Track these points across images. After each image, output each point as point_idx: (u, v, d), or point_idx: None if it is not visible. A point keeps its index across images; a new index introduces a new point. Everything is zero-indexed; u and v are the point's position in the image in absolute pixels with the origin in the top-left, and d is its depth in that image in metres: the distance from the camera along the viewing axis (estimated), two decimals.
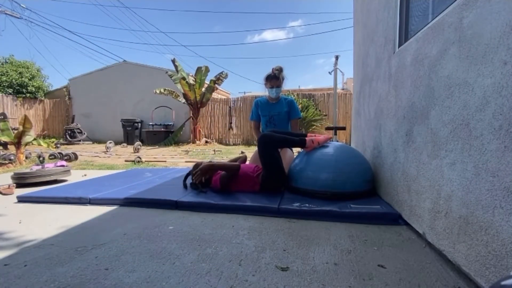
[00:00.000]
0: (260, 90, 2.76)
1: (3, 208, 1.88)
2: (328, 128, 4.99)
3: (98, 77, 11.31)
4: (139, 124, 9.91)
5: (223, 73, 9.24)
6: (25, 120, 4.34)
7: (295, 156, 2.25)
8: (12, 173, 2.67)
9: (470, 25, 0.89)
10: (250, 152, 5.34)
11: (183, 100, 9.36)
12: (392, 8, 1.66)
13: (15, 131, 4.45)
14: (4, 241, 1.31)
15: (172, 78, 9.00)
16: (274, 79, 2.56)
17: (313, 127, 9.20)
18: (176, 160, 5.10)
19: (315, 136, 2.07)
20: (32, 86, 12.21)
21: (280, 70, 2.58)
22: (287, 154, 2.56)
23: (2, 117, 7.92)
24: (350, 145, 2.93)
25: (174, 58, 9.23)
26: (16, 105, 11.14)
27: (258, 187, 2.01)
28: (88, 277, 0.96)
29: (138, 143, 7.18)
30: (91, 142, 9.88)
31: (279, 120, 2.67)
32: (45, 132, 11.58)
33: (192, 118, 9.64)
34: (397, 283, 0.91)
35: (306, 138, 2.06)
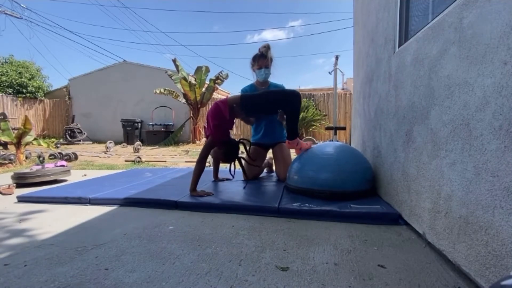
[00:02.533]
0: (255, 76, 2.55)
1: (3, 208, 1.88)
2: (328, 128, 5.00)
3: (98, 77, 11.31)
4: (139, 124, 9.91)
5: (223, 72, 9.24)
6: (26, 121, 4.34)
7: (295, 157, 2.25)
8: (12, 173, 2.67)
9: (470, 25, 0.89)
10: None
11: (183, 100, 9.36)
12: (392, 8, 1.66)
13: (15, 131, 4.45)
14: (4, 241, 1.31)
15: (172, 78, 9.00)
16: (262, 58, 2.35)
17: (313, 127, 9.20)
18: (176, 160, 5.10)
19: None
20: (32, 86, 12.22)
21: (267, 47, 2.35)
22: (284, 152, 2.54)
23: (2, 117, 7.92)
24: (350, 145, 2.93)
25: (175, 58, 9.23)
26: (16, 105, 11.14)
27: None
28: (88, 277, 0.96)
29: (138, 143, 7.18)
30: (91, 142, 9.88)
31: None
32: (45, 132, 11.58)
33: (192, 118, 9.64)
34: (397, 283, 0.91)
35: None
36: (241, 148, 2.26)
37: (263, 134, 2.61)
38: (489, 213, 0.79)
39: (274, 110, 2.21)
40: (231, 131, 2.17)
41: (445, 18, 1.04)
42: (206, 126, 2.20)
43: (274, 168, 2.71)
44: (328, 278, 0.94)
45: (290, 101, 2.05)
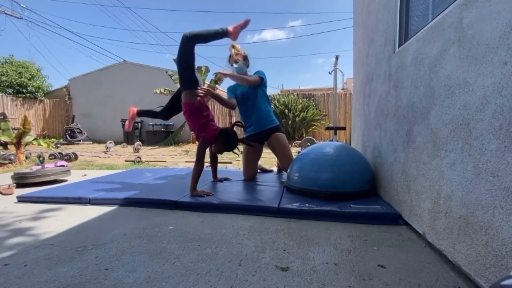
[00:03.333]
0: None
1: (3, 208, 1.88)
2: (328, 128, 5.00)
3: (98, 77, 11.31)
4: (139, 124, 9.91)
5: None
6: (25, 121, 4.35)
7: (294, 156, 2.25)
8: (12, 173, 2.67)
9: (470, 25, 0.89)
10: None
11: None
12: (392, 8, 1.66)
13: (15, 131, 4.46)
14: (4, 241, 1.31)
15: (172, 78, 9.00)
16: (230, 57, 2.52)
17: (313, 127, 9.20)
18: (176, 160, 5.10)
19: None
20: (32, 86, 12.21)
21: (230, 47, 2.51)
22: (281, 141, 2.53)
23: (2, 117, 7.92)
24: (350, 145, 2.94)
25: (176, 58, 9.22)
26: (16, 105, 11.14)
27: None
28: (88, 277, 0.96)
29: (138, 143, 7.18)
30: (91, 142, 9.88)
31: (251, 92, 2.55)
32: (45, 132, 11.58)
33: None
34: (397, 283, 0.91)
35: (228, 27, 2.04)
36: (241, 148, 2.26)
37: (248, 124, 2.64)
38: (489, 213, 0.79)
39: (190, 58, 2.13)
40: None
41: (445, 18, 1.04)
42: (193, 133, 2.22)
43: (276, 163, 2.69)
44: (328, 278, 0.94)
45: (183, 42, 2.02)
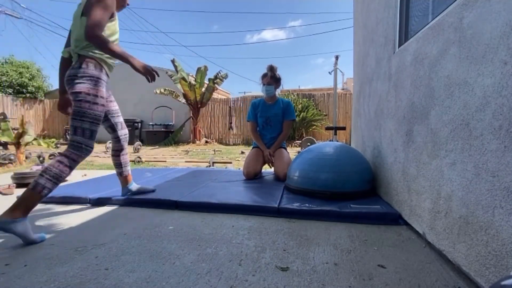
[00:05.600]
0: (260, 90, 2.88)
1: (3, 208, 1.87)
2: (328, 128, 5.00)
3: None
4: (139, 124, 9.92)
5: (221, 72, 9.25)
6: (22, 122, 4.36)
7: (295, 157, 2.25)
8: (12, 173, 2.67)
9: (470, 25, 0.89)
10: None
11: (183, 100, 9.37)
12: (392, 8, 1.66)
13: (15, 131, 4.46)
14: (4, 241, 1.31)
15: (172, 78, 9.01)
16: (265, 77, 2.65)
17: (313, 127, 9.21)
18: (176, 160, 5.10)
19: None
20: (32, 86, 12.22)
21: (269, 68, 2.65)
22: (283, 154, 2.58)
23: (2, 117, 7.93)
24: (350, 145, 2.94)
25: (173, 59, 9.24)
26: (16, 105, 11.15)
27: None
28: (88, 277, 0.95)
29: (138, 143, 7.19)
30: None
31: (275, 121, 2.72)
32: (45, 132, 11.58)
33: (192, 118, 9.65)
34: (397, 283, 0.91)
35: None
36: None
37: (263, 140, 2.77)
38: (489, 213, 0.79)
39: None
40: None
41: (445, 18, 1.04)
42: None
43: (272, 169, 2.74)
44: (328, 278, 0.94)
45: None
